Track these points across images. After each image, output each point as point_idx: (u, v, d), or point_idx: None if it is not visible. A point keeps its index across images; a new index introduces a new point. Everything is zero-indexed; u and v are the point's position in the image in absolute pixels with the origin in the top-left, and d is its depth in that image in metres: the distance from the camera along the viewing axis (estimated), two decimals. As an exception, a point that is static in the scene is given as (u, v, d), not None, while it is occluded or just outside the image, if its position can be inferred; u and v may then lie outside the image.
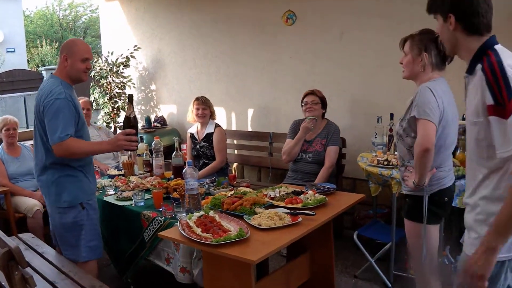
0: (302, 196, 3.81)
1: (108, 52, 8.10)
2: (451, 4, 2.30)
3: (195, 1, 7.22)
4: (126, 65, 7.92)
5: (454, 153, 4.30)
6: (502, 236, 2.12)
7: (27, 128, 14.44)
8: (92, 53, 3.91)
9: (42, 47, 27.26)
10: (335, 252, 4.05)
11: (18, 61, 25.43)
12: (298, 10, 6.11)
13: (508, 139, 2.08)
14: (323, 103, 5.20)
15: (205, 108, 5.56)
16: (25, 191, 5.54)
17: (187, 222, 3.29)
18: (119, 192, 4.55)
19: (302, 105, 5.23)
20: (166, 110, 7.91)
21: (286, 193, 3.92)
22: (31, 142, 6.43)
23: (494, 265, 2.15)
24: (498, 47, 2.25)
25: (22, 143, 5.98)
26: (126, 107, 3.81)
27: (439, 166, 3.27)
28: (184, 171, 3.70)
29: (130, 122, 3.78)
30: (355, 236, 4.75)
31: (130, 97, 3.85)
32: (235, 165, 7.03)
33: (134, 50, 7.88)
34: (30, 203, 5.38)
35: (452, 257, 4.38)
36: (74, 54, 3.74)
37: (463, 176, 3.90)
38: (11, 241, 2.91)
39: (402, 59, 3.40)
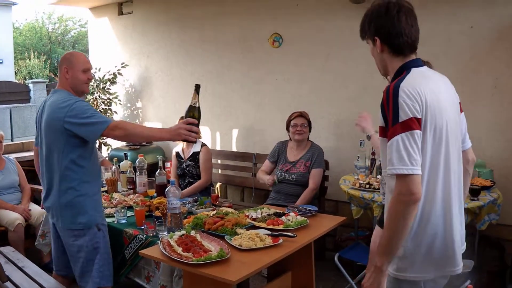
0: (283, 217, 3.82)
1: (96, 68, 8.12)
2: (375, 27, 2.43)
3: (183, 20, 7.28)
4: (113, 81, 7.94)
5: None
6: (385, 256, 2.25)
7: (12, 141, 14.38)
8: (91, 64, 3.88)
9: (30, 59, 27.19)
10: (316, 273, 4.06)
11: (6, 72, 25.38)
12: (285, 33, 6.18)
13: (387, 160, 2.23)
14: (310, 125, 5.26)
15: (191, 126, 5.58)
16: (7, 204, 5.51)
17: (169, 241, 3.30)
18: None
19: (289, 127, 5.26)
20: (152, 128, 7.90)
21: (267, 214, 3.94)
22: (16, 155, 6.50)
23: (384, 283, 2.29)
24: (416, 69, 2.37)
25: (6, 156, 5.96)
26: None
27: None
28: (167, 190, 3.71)
29: (194, 112, 3.61)
30: (336, 258, 4.76)
31: (197, 86, 3.68)
32: (218, 184, 7.04)
33: (122, 67, 7.91)
34: (11, 217, 5.36)
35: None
36: (74, 65, 3.70)
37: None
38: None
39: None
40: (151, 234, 3.86)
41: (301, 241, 3.43)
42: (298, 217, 3.82)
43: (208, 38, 7.00)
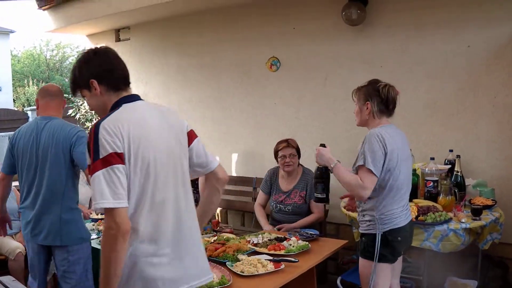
0: (285, 242, 3.82)
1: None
2: (89, 71, 2.48)
3: (180, 45, 7.31)
4: (111, 108, 7.93)
5: (415, 194, 4.46)
6: (106, 287, 2.27)
7: (11, 168, 14.32)
8: None
9: (28, 86, 27.28)
10: (319, 297, 4.04)
11: (4, 100, 25.47)
12: (282, 57, 6.20)
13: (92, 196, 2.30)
14: (299, 152, 5.13)
15: (189, 152, 5.57)
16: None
17: (170, 268, 3.28)
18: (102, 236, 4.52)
19: (277, 158, 5.18)
20: (151, 153, 7.89)
21: (269, 239, 3.93)
22: (15, 183, 6.45)
23: None
24: (127, 105, 2.46)
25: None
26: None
27: (391, 206, 3.39)
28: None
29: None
30: (338, 282, 4.72)
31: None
32: (219, 209, 7.01)
33: (120, 93, 7.90)
34: (12, 245, 5.33)
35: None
36: None
37: (445, 221, 3.96)
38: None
39: (355, 109, 3.60)
40: (152, 262, 3.83)
41: (303, 266, 3.42)
42: (300, 241, 3.81)
43: (206, 64, 7.02)
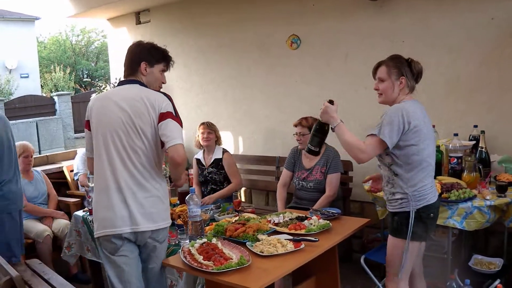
0: (306, 221, 3.79)
1: (116, 78, 8.16)
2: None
3: (200, 27, 7.30)
4: (133, 90, 7.96)
5: (439, 171, 4.40)
6: None
7: (40, 153, 14.56)
8: None
9: (55, 72, 27.52)
10: (344, 275, 4.04)
11: (32, 86, 25.78)
12: (302, 34, 6.14)
13: None
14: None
15: (210, 132, 5.56)
16: (46, 210, 5.82)
17: (189, 249, 3.28)
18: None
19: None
20: (174, 135, 7.91)
21: (290, 219, 3.90)
22: (43, 168, 6.62)
23: None
24: (118, 87, 3.43)
25: (34, 168, 6.07)
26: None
27: (422, 182, 3.37)
28: (187, 198, 3.69)
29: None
30: (362, 260, 4.69)
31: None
32: (243, 189, 7.02)
33: (142, 75, 7.91)
34: (40, 228, 5.48)
35: (461, 280, 4.32)
36: None
37: (469, 198, 3.90)
38: (13, 270, 2.93)
39: (378, 85, 3.49)
40: (173, 243, 3.85)
41: (324, 245, 3.39)
42: (321, 220, 3.78)
43: (226, 44, 7.00)
